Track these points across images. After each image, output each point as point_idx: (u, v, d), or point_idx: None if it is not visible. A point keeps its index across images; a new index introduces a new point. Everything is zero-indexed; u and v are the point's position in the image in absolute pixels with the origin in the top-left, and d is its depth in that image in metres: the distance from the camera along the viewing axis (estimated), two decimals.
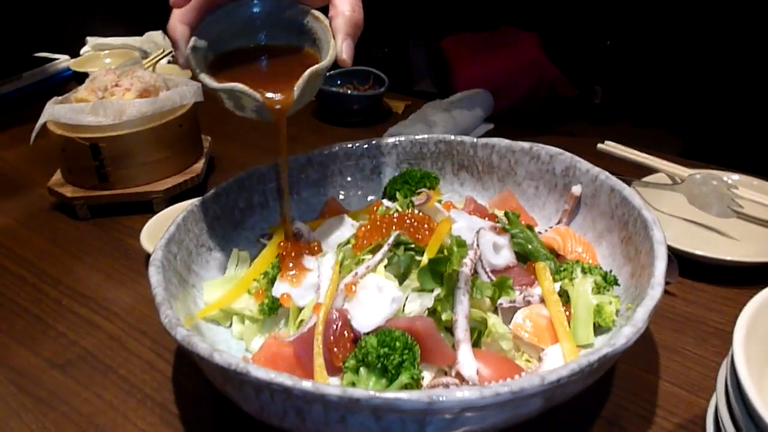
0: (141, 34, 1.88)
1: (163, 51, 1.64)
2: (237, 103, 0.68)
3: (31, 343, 0.76)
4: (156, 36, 1.87)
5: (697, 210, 0.90)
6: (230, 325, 0.70)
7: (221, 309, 0.68)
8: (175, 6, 0.65)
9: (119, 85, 1.07)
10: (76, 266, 0.91)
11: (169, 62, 1.74)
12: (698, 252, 0.78)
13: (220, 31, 0.70)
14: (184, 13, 0.66)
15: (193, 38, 0.66)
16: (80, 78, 1.66)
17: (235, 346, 0.68)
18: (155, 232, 0.88)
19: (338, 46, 0.66)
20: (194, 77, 0.69)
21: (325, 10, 0.69)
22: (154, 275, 0.62)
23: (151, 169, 1.04)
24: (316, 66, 0.65)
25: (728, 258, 0.78)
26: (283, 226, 0.73)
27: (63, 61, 1.76)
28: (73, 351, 0.75)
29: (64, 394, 0.68)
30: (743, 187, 0.90)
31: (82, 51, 1.85)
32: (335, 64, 0.67)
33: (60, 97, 1.07)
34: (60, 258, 0.93)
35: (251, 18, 0.71)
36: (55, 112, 1.00)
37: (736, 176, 0.92)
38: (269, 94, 0.66)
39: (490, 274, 0.65)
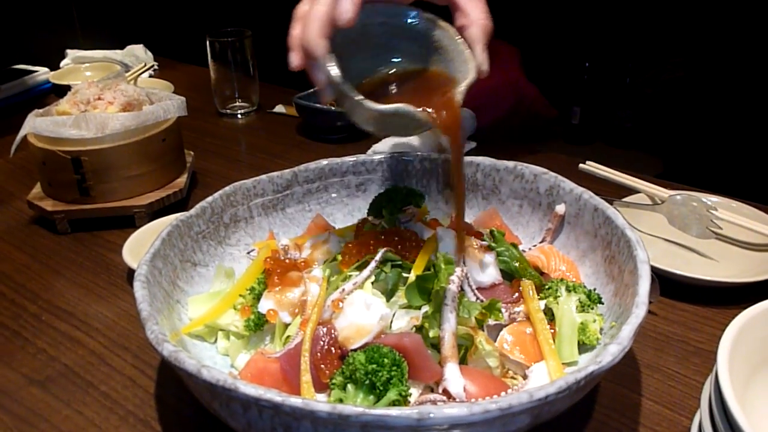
0: (122, 48, 1.87)
1: (145, 64, 1.63)
2: (382, 123, 0.65)
3: (9, 359, 0.75)
4: (137, 49, 1.87)
5: (677, 230, 0.91)
6: (215, 341, 0.70)
7: (206, 325, 0.68)
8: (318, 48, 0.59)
9: (102, 98, 1.07)
10: (55, 281, 0.90)
11: (150, 76, 1.74)
12: (679, 272, 0.80)
13: (339, 41, 0.63)
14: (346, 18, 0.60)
15: (332, 55, 0.60)
16: (60, 91, 1.65)
17: (220, 362, 0.67)
18: (137, 247, 0.88)
19: (479, 58, 0.64)
20: (334, 97, 0.64)
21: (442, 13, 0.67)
22: (140, 290, 0.62)
23: (133, 183, 1.03)
24: (468, 80, 0.63)
25: (708, 278, 0.79)
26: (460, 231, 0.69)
27: (42, 73, 1.74)
28: (53, 367, 0.73)
29: (44, 411, 0.67)
30: (722, 208, 0.92)
31: (61, 63, 1.84)
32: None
33: (41, 110, 1.06)
34: (39, 273, 0.92)
35: (365, 27, 0.66)
36: (37, 124, 0.99)
37: (715, 198, 0.94)
38: (429, 111, 0.63)
39: (477, 292, 0.65)
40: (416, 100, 0.63)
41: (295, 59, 0.62)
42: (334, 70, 0.60)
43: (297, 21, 0.62)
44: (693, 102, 2.28)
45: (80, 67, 1.78)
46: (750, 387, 0.52)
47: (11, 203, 1.12)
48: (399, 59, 0.71)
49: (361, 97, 0.61)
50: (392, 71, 0.71)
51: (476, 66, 0.64)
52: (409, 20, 0.68)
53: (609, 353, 0.52)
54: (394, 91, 0.69)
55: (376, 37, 0.69)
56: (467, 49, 0.65)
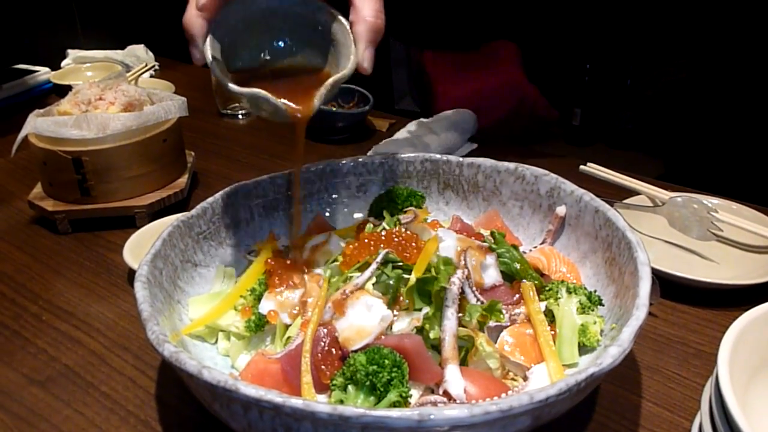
0: (123, 48, 1.87)
1: (146, 65, 1.63)
2: (255, 106, 0.68)
3: (10, 359, 0.75)
4: (138, 50, 1.87)
5: (677, 232, 0.92)
6: (216, 341, 0.70)
7: (207, 325, 0.68)
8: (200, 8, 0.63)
9: (103, 98, 1.07)
10: (56, 281, 0.90)
11: (151, 76, 1.74)
12: (679, 274, 0.80)
13: (237, 23, 0.68)
14: (203, 5, 0.63)
15: (209, 36, 0.64)
16: (61, 91, 1.65)
17: (220, 363, 0.67)
18: (138, 247, 0.88)
19: (360, 55, 0.66)
20: (214, 76, 0.67)
21: (341, 7, 0.68)
22: (140, 290, 0.62)
23: (134, 183, 1.03)
24: (336, 76, 0.65)
25: (708, 280, 0.79)
26: (294, 233, 0.75)
27: (43, 73, 1.74)
28: (54, 367, 0.74)
29: (45, 411, 0.67)
30: (723, 210, 0.92)
31: (62, 63, 1.84)
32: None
33: (42, 110, 1.06)
34: (40, 273, 0.92)
35: (269, 10, 0.70)
36: (38, 124, 0.99)
37: (715, 200, 0.94)
38: (287, 102, 0.66)
39: (477, 294, 0.65)
40: (285, 89, 0.67)
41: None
42: (207, 52, 0.63)
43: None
44: (693, 104, 2.28)
45: (81, 67, 1.78)
46: (750, 389, 0.52)
47: (12, 203, 1.12)
48: (298, 45, 0.73)
49: (224, 78, 0.64)
50: (288, 61, 0.73)
51: (355, 63, 0.66)
52: (306, 7, 0.70)
53: (609, 355, 0.52)
54: (273, 79, 0.72)
55: (278, 22, 0.71)
56: (352, 46, 0.66)
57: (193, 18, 0.63)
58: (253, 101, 0.65)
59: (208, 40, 0.64)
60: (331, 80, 0.65)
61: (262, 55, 0.72)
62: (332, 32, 0.69)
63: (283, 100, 0.65)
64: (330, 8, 0.69)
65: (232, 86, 0.64)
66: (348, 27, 0.67)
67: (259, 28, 0.71)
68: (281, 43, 0.73)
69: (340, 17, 0.68)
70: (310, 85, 0.67)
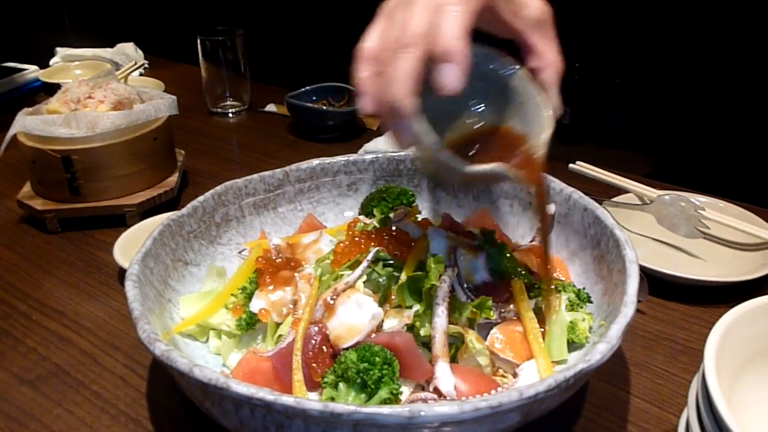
0: (112, 46, 1.86)
1: (135, 63, 1.63)
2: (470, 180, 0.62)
3: (0, 359, 0.75)
4: (127, 48, 1.86)
5: (665, 230, 0.92)
6: (207, 340, 0.70)
7: (198, 324, 0.68)
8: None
9: (92, 97, 1.06)
10: (46, 280, 0.90)
11: (141, 74, 1.73)
12: (667, 271, 0.81)
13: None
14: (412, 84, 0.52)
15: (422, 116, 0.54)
16: (49, 89, 1.64)
17: (212, 361, 0.67)
18: (128, 246, 0.88)
19: (554, 102, 0.61)
20: (422, 157, 0.59)
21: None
22: (131, 290, 0.62)
23: (124, 182, 1.03)
24: (548, 132, 0.60)
25: (696, 277, 0.80)
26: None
27: (32, 71, 1.73)
28: (44, 366, 0.73)
29: (35, 410, 0.67)
30: (710, 208, 0.93)
31: (51, 61, 1.83)
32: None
33: (31, 108, 1.05)
34: (29, 272, 0.92)
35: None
36: (27, 123, 0.99)
37: (703, 198, 0.95)
38: (519, 173, 0.59)
39: (467, 292, 0.66)
40: (500, 158, 0.60)
41: (368, 105, 0.55)
42: (431, 137, 0.54)
43: (366, 61, 0.55)
44: (682, 102, 2.29)
45: (70, 66, 1.77)
46: (736, 384, 0.53)
47: (1, 202, 1.11)
48: (473, 101, 0.66)
49: (459, 160, 0.56)
50: (466, 125, 0.66)
51: (554, 112, 0.61)
52: (501, 70, 0.63)
53: (598, 352, 0.52)
54: (474, 149, 0.64)
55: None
56: (541, 94, 0.61)
57: (406, 98, 0.51)
58: (480, 179, 0.60)
59: (420, 117, 0.54)
60: (544, 136, 0.60)
61: (447, 121, 0.64)
62: (511, 83, 0.63)
63: (515, 169, 0.59)
64: (511, 59, 0.63)
65: (470, 167, 0.56)
66: (525, 75, 0.62)
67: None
68: (469, 105, 0.65)
69: (519, 65, 0.62)
70: (509, 144, 0.62)
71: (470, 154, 0.63)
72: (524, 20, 0.61)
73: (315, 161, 0.88)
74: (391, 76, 0.52)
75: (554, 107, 0.62)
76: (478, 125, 0.65)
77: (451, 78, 0.52)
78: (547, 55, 0.62)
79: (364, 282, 0.65)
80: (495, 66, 0.63)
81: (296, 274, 0.69)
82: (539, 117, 0.61)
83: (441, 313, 0.61)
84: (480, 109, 0.65)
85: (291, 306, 0.66)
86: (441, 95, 0.52)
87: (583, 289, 0.69)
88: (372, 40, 0.55)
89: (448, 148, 0.57)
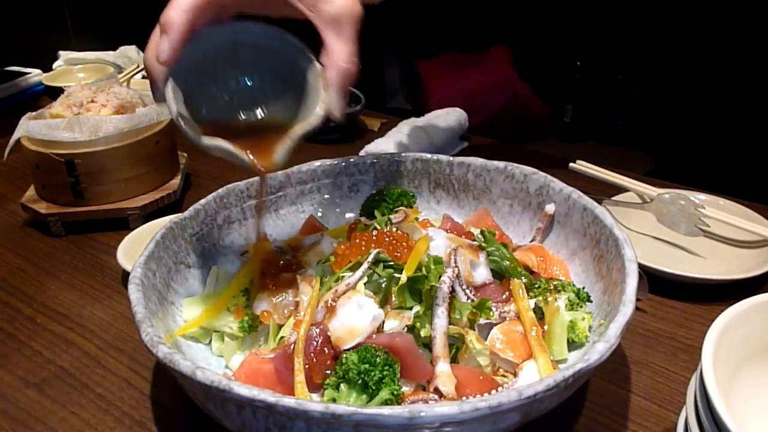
0: (114, 49, 1.87)
1: (138, 66, 1.63)
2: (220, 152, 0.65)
3: (5, 361, 0.75)
4: (130, 51, 1.86)
5: (665, 228, 0.93)
6: (209, 342, 0.70)
7: (201, 326, 0.69)
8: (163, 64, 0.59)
9: (95, 101, 1.07)
10: (50, 284, 0.90)
11: (143, 77, 1.74)
12: (667, 269, 0.81)
13: (200, 59, 0.64)
14: (164, 58, 0.59)
15: (170, 80, 0.60)
16: (52, 93, 1.65)
17: (214, 364, 0.68)
18: (132, 249, 0.88)
19: (331, 102, 0.63)
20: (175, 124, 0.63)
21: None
22: (134, 293, 0.62)
23: (127, 185, 1.03)
24: (303, 127, 0.63)
25: (696, 275, 0.80)
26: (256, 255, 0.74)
27: (35, 75, 1.74)
28: (49, 369, 0.74)
29: (40, 413, 0.68)
30: (710, 206, 0.93)
31: (54, 65, 1.83)
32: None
33: (34, 113, 1.06)
34: (34, 275, 0.92)
35: (235, 45, 0.66)
36: (30, 127, 0.99)
37: (703, 196, 0.95)
38: (251, 156, 0.64)
39: (468, 292, 0.66)
40: (252, 136, 0.65)
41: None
42: (172, 108, 0.60)
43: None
44: (683, 99, 2.29)
45: (73, 69, 1.78)
46: (734, 382, 0.53)
47: (5, 206, 1.12)
48: (267, 83, 0.70)
49: (191, 131, 0.61)
50: (253, 100, 0.70)
51: (324, 111, 0.63)
52: (275, 44, 0.66)
53: (596, 351, 0.53)
54: (238, 122, 0.69)
55: (244, 59, 0.68)
56: (321, 90, 0.63)
57: (153, 62, 0.59)
58: (217, 151, 0.63)
59: (169, 83, 0.60)
60: (297, 131, 0.63)
61: (227, 93, 0.69)
62: (303, 72, 0.66)
63: (248, 154, 0.63)
64: (306, 49, 0.65)
65: (196, 136, 0.61)
66: (318, 67, 0.63)
67: (227, 64, 0.67)
68: (249, 81, 0.69)
69: (315, 60, 0.64)
70: (278, 132, 0.65)
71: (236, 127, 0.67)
72: (321, 15, 0.61)
73: (316, 163, 0.88)
74: (148, 43, 0.60)
75: (330, 106, 0.63)
76: (264, 111, 0.69)
77: (162, 47, 0.58)
78: (335, 55, 0.62)
79: (365, 283, 0.65)
80: (294, 54, 0.66)
81: (298, 276, 0.69)
82: (309, 112, 0.64)
83: (441, 313, 0.62)
84: (270, 87, 0.69)
85: (293, 308, 0.67)
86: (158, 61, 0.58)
87: (583, 288, 0.69)
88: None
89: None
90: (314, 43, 0.63)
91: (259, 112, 0.69)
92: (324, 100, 0.63)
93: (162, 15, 0.58)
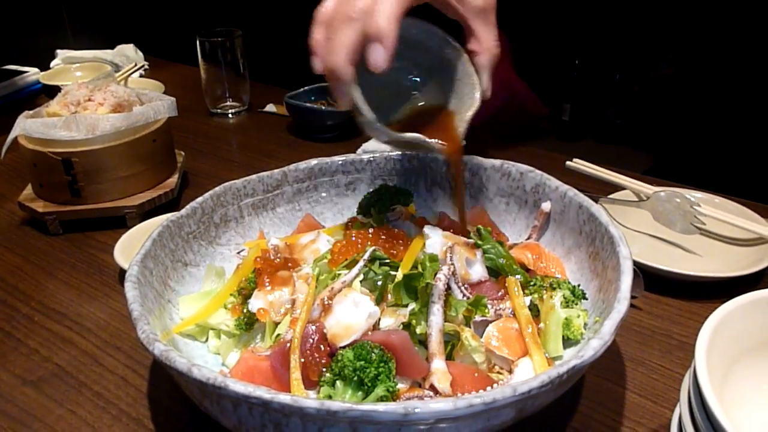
0: (112, 48, 1.87)
1: (135, 64, 1.64)
2: (401, 145, 0.71)
3: (2, 360, 0.76)
4: (127, 49, 1.87)
5: (661, 226, 0.93)
6: (206, 340, 0.71)
7: (197, 324, 0.69)
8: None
9: (92, 99, 1.07)
10: (47, 282, 0.91)
11: (141, 76, 1.74)
12: (663, 267, 0.81)
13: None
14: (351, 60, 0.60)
15: (356, 85, 0.62)
16: (50, 91, 1.65)
17: (211, 361, 0.68)
18: (129, 248, 0.88)
19: (484, 85, 0.69)
20: (356, 119, 0.66)
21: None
22: (131, 291, 0.62)
23: (124, 184, 1.03)
24: (469, 110, 0.70)
25: (691, 273, 0.81)
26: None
27: (32, 74, 1.74)
28: (46, 367, 0.74)
29: (38, 411, 0.68)
30: (705, 204, 0.93)
31: (52, 64, 1.84)
32: None
33: (31, 111, 1.06)
34: (31, 274, 0.93)
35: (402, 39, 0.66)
36: (27, 126, 0.99)
37: (698, 194, 0.96)
38: (440, 142, 0.69)
39: (463, 290, 0.66)
40: (426, 129, 0.69)
41: (318, 65, 0.63)
42: (365, 108, 0.63)
43: (320, 25, 0.62)
44: (681, 98, 2.30)
45: (70, 68, 1.78)
46: (728, 379, 0.53)
47: (2, 205, 1.12)
48: (413, 71, 0.75)
49: (383, 126, 0.65)
50: (412, 101, 0.75)
51: (481, 93, 0.70)
52: (445, 48, 0.71)
53: (591, 348, 0.53)
54: (408, 118, 0.74)
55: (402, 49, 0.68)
56: (474, 75, 0.69)
57: (344, 66, 0.60)
58: (407, 144, 0.68)
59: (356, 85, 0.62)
60: (468, 114, 0.69)
61: (382, 86, 0.70)
62: (449, 61, 0.71)
63: (436, 140, 0.68)
64: (451, 38, 0.70)
65: (390, 133, 0.65)
66: (463, 54, 0.69)
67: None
68: (399, 74, 0.73)
69: (461, 48, 0.70)
70: (441, 118, 0.71)
71: (411, 123, 0.72)
72: (469, 6, 0.68)
73: (313, 161, 0.88)
74: (334, 44, 0.60)
75: (484, 89, 0.70)
76: (420, 102, 0.75)
77: (378, 57, 0.59)
78: (485, 41, 0.69)
79: (361, 281, 0.66)
80: (439, 44, 0.71)
81: (294, 274, 0.69)
82: (469, 96, 0.71)
83: (437, 311, 0.62)
84: (419, 80, 0.75)
85: (289, 305, 0.67)
86: (374, 71, 0.60)
87: (578, 286, 0.69)
88: (327, 6, 0.62)
89: (390, 116, 0.69)
90: None
91: (412, 102, 0.75)
92: (481, 84, 0.70)
93: (370, 23, 0.59)
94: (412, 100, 0.75)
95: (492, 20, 0.69)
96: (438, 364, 0.59)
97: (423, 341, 0.61)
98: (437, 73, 0.73)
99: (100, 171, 1.01)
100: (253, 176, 0.85)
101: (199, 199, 0.80)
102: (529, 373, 0.61)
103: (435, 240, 0.70)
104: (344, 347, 0.59)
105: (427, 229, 0.72)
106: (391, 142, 0.69)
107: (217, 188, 0.82)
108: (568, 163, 1.06)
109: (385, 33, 0.59)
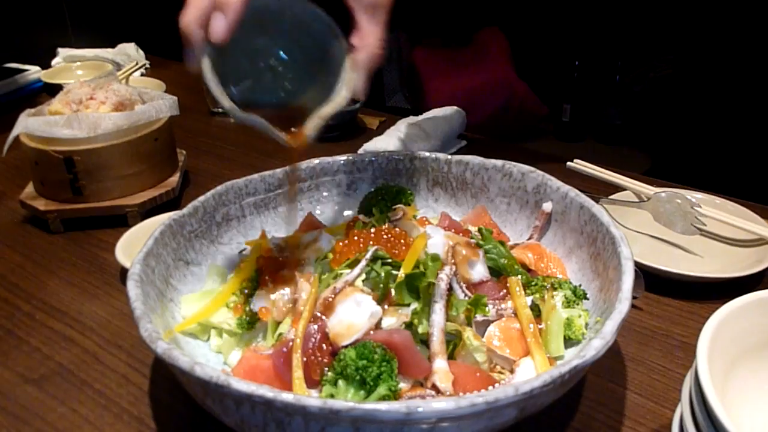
0: (113, 46, 1.87)
1: (136, 63, 1.64)
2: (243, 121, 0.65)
3: (3, 358, 0.76)
4: (128, 48, 1.87)
5: (662, 227, 0.93)
6: (208, 338, 0.71)
7: (199, 323, 0.69)
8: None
9: (94, 98, 1.07)
10: (49, 280, 0.91)
11: (142, 74, 1.74)
12: (663, 267, 0.81)
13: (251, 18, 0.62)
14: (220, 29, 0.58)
15: (207, 48, 0.60)
16: (51, 89, 1.65)
17: (213, 360, 0.68)
18: (130, 246, 0.88)
19: (358, 84, 0.65)
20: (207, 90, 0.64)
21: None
22: (133, 289, 0.62)
23: (125, 182, 1.04)
24: (331, 108, 0.65)
25: (692, 273, 0.81)
26: (262, 241, 0.74)
27: (34, 72, 1.74)
28: (48, 366, 0.74)
29: (39, 409, 0.68)
30: (706, 205, 0.93)
31: (53, 62, 1.84)
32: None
33: (33, 110, 1.06)
34: (33, 272, 0.93)
35: (263, 11, 0.64)
36: (29, 124, 0.99)
37: (699, 195, 0.96)
38: (283, 133, 0.65)
39: (465, 290, 0.67)
40: (279, 110, 0.67)
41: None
42: (209, 76, 0.60)
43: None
44: (681, 99, 2.30)
45: (72, 66, 1.78)
46: (729, 379, 0.53)
47: (4, 203, 1.12)
48: (287, 53, 0.70)
49: (227, 101, 0.61)
50: (270, 82, 0.70)
51: (351, 92, 0.65)
52: (305, 16, 0.67)
53: (592, 347, 0.53)
54: (266, 93, 0.70)
55: (273, 25, 0.67)
56: (350, 71, 0.65)
57: (194, 28, 0.58)
58: (250, 124, 0.63)
59: (206, 51, 0.60)
60: (326, 111, 0.65)
61: (254, 63, 0.69)
62: (329, 48, 0.67)
63: (281, 133, 0.64)
64: (334, 24, 0.66)
65: (233, 108, 0.61)
66: (346, 50, 0.65)
67: (255, 32, 0.66)
68: (275, 51, 0.69)
69: (343, 38, 0.66)
70: (302, 107, 0.67)
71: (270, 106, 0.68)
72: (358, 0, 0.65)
73: (315, 161, 0.89)
74: (189, 4, 0.58)
75: (356, 88, 0.65)
76: (288, 87, 0.70)
77: (217, 27, 0.58)
78: (367, 38, 0.65)
79: (363, 280, 0.66)
80: (323, 30, 0.66)
81: (296, 273, 0.69)
82: (338, 92, 0.66)
83: (439, 310, 0.62)
84: (290, 61, 0.70)
85: (291, 305, 0.67)
86: (211, 40, 0.58)
87: (580, 286, 0.69)
88: None
89: (247, 94, 0.65)
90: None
91: (285, 84, 0.70)
92: (351, 81, 0.65)
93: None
94: (278, 82, 0.70)
95: (381, 19, 0.65)
96: (440, 364, 0.59)
97: (425, 341, 0.62)
98: (315, 61, 0.69)
99: (102, 169, 1.01)
100: (255, 175, 0.85)
101: (201, 198, 0.80)
102: (530, 373, 0.61)
103: (437, 240, 0.71)
104: (346, 346, 0.59)
105: (429, 229, 0.72)
106: (236, 119, 0.63)
107: (218, 187, 0.82)
108: (568, 163, 1.06)
109: (228, 3, 0.57)
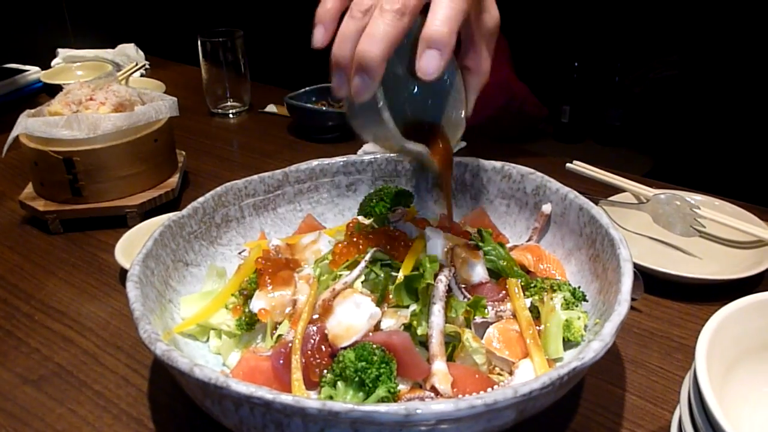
0: (113, 47, 1.87)
1: (136, 64, 1.64)
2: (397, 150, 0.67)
3: (3, 358, 0.76)
4: (128, 48, 1.87)
5: (661, 229, 0.93)
6: (207, 340, 0.71)
7: (199, 324, 0.69)
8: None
9: (94, 98, 1.07)
10: (48, 281, 0.91)
11: (142, 75, 1.74)
12: (662, 269, 0.81)
13: None
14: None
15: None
16: (51, 90, 1.65)
17: (212, 361, 0.68)
18: (130, 247, 0.88)
19: (470, 107, 0.68)
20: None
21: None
22: (132, 290, 0.62)
23: (125, 183, 1.04)
24: (460, 131, 0.70)
25: (691, 275, 0.81)
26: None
27: (33, 72, 1.74)
28: (47, 366, 0.74)
29: (38, 410, 0.68)
30: (705, 207, 0.93)
31: (53, 63, 1.84)
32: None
33: (33, 110, 1.06)
34: (32, 273, 0.93)
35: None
36: (29, 125, 0.99)
37: (698, 197, 0.96)
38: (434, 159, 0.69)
39: (464, 291, 0.67)
40: (422, 141, 0.68)
41: (320, 36, 0.57)
42: (385, 111, 0.60)
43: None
44: (681, 101, 2.30)
45: (71, 67, 1.78)
46: (728, 381, 0.54)
47: (3, 203, 1.12)
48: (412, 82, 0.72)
49: (398, 134, 0.62)
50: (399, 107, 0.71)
51: (469, 112, 0.69)
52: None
53: (591, 349, 0.53)
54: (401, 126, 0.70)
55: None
56: (464, 92, 0.68)
57: (379, 61, 0.53)
58: (404, 152, 0.66)
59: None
60: (458, 136, 0.69)
61: (399, 89, 0.69)
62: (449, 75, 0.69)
63: (436, 162, 0.69)
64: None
65: (401, 139, 0.63)
66: (460, 74, 0.68)
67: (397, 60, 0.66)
68: (399, 75, 0.69)
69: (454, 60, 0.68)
70: (433, 132, 0.70)
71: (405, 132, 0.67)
72: (482, 26, 0.65)
73: (314, 162, 0.89)
74: (373, 31, 0.52)
75: (468, 110, 0.69)
76: (410, 111, 0.72)
77: (434, 65, 0.54)
78: (484, 64, 0.66)
79: (362, 282, 0.66)
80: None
81: (295, 275, 0.69)
82: (457, 115, 0.70)
83: (438, 312, 0.62)
84: (416, 90, 0.72)
85: (290, 306, 0.67)
86: (419, 77, 0.55)
87: (579, 287, 0.69)
88: None
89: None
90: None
91: (404, 110, 0.71)
92: (467, 104, 0.68)
93: (358, 49, 0.53)
94: (404, 107, 0.71)
95: (492, 47, 0.67)
96: (439, 366, 0.59)
97: (424, 342, 0.62)
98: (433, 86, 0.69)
99: (101, 170, 1.01)
100: (255, 176, 0.85)
101: (201, 199, 0.80)
102: (529, 375, 0.61)
103: (436, 241, 0.71)
104: (345, 348, 0.59)
105: (428, 231, 0.72)
106: (391, 148, 0.66)
107: (218, 188, 0.82)
108: (567, 165, 1.06)
109: (446, 41, 0.54)
